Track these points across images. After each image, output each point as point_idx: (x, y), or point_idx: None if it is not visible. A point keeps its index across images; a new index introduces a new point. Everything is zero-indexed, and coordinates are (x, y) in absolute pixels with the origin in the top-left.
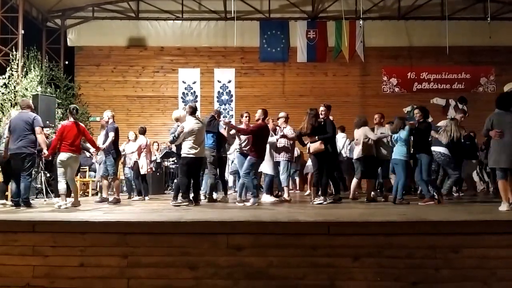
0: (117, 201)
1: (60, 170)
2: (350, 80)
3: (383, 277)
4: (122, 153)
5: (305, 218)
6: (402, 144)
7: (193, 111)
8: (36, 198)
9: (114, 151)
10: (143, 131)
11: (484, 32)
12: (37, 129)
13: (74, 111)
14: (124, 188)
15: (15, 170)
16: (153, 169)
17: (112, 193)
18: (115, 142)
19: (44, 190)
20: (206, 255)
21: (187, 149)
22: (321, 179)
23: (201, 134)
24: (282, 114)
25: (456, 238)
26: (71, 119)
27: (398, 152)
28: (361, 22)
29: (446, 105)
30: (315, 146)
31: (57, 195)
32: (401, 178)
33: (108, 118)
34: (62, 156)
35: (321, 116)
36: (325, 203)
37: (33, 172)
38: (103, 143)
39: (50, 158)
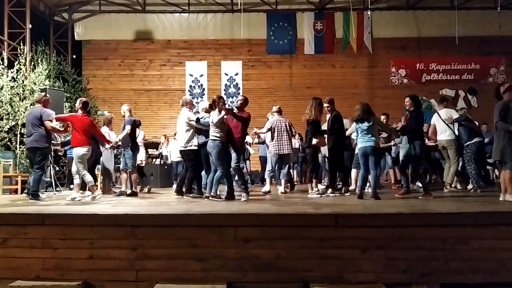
0: (134, 194)
1: (80, 165)
2: (358, 72)
3: (392, 269)
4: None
5: (313, 210)
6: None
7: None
8: (46, 191)
9: (132, 144)
10: (136, 125)
11: (494, 22)
12: (46, 123)
13: (86, 107)
14: None
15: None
16: (143, 163)
17: (123, 185)
18: (133, 135)
19: (53, 183)
20: (214, 247)
21: None
22: (316, 172)
23: (184, 128)
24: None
25: (465, 230)
26: (80, 112)
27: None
28: (369, 12)
29: (455, 96)
30: (319, 139)
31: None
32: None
33: (124, 112)
34: (80, 150)
35: (327, 112)
36: (332, 195)
37: (45, 166)
38: (129, 138)
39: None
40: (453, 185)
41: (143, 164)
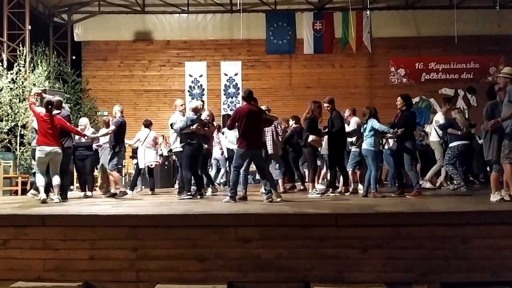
0: (112, 195)
1: (38, 166)
2: (357, 72)
3: (392, 268)
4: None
5: (313, 210)
6: (371, 135)
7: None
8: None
9: (115, 144)
10: (146, 124)
11: (493, 21)
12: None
13: (49, 106)
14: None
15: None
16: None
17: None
18: (117, 136)
19: None
20: (215, 247)
21: None
22: (315, 172)
23: (171, 130)
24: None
25: (465, 229)
26: (44, 111)
27: (368, 143)
28: (368, 12)
29: (454, 95)
30: (315, 137)
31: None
32: (372, 170)
33: (115, 113)
34: (37, 152)
35: (328, 111)
36: (332, 195)
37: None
38: (113, 138)
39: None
40: (437, 184)
41: (153, 166)
